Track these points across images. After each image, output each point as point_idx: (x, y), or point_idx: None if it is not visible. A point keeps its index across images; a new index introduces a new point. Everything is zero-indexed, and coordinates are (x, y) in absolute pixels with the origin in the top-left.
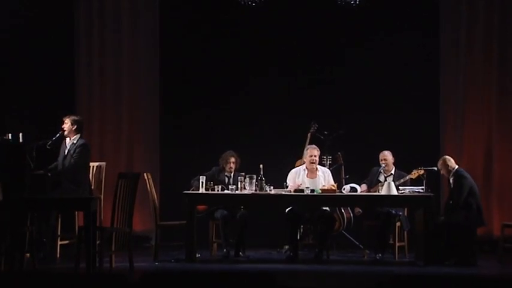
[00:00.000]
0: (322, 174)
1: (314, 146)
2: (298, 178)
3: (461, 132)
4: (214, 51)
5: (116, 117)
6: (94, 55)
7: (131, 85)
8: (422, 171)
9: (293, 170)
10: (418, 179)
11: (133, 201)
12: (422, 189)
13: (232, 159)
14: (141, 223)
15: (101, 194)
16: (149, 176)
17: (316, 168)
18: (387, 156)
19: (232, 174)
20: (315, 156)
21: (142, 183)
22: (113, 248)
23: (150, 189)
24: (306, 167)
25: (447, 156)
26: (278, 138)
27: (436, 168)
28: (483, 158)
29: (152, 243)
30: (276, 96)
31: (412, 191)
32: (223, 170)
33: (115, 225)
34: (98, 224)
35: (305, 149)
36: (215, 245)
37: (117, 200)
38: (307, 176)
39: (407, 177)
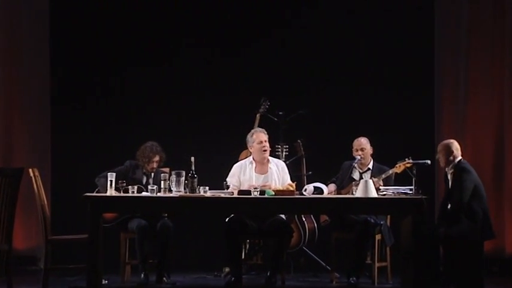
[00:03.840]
0: (275, 168)
1: (260, 128)
2: (243, 174)
3: (462, 116)
4: (123, 14)
5: None
6: None
7: (8, 57)
8: (409, 164)
9: (236, 165)
10: (404, 176)
11: (13, 207)
12: (411, 189)
13: (156, 158)
14: (24, 238)
15: None
16: (36, 173)
17: (268, 160)
18: (364, 145)
19: (153, 172)
20: (266, 141)
21: (27, 182)
22: None
23: (38, 190)
24: (254, 159)
25: (454, 141)
26: (215, 122)
27: (429, 162)
28: (492, 151)
29: (41, 266)
30: (211, 66)
31: (398, 192)
32: (141, 166)
33: None
34: None
35: (249, 135)
36: (129, 267)
37: None
38: (255, 171)
39: (390, 172)
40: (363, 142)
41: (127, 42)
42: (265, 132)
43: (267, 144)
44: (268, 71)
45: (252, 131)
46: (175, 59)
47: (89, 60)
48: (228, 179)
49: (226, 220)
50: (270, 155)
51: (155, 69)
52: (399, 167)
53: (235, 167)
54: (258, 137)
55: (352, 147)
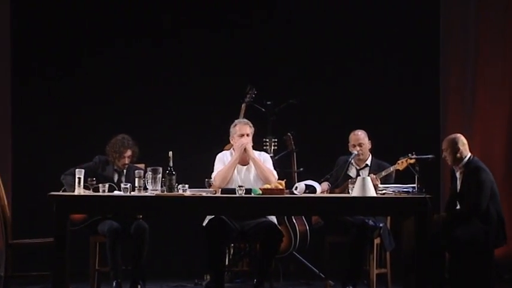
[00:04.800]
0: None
1: (245, 120)
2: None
3: (471, 107)
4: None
5: None
6: None
7: None
8: (413, 160)
9: (219, 155)
10: (406, 173)
11: None
12: (414, 187)
13: (128, 153)
14: None
15: None
16: None
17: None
18: (362, 139)
19: (125, 168)
20: (248, 135)
21: None
22: None
23: None
24: (234, 150)
25: (460, 136)
26: (196, 112)
27: (432, 156)
28: (503, 146)
29: (0, 273)
30: (190, 50)
31: (399, 191)
32: (111, 162)
33: None
34: None
35: (232, 125)
36: (99, 274)
37: None
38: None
39: (391, 169)
40: (361, 136)
41: (93, 27)
42: (250, 124)
43: (249, 138)
44: (255, 55)
45: (236, 121)
46: (149, 42)
47: (52, 49)
48: (215, 167)
49: (207, 222)
50: (257, 149)
51: (126, 54)
52: (401, 164)
53: (219, 156)
54: (240, 130)
55: (348, 142)
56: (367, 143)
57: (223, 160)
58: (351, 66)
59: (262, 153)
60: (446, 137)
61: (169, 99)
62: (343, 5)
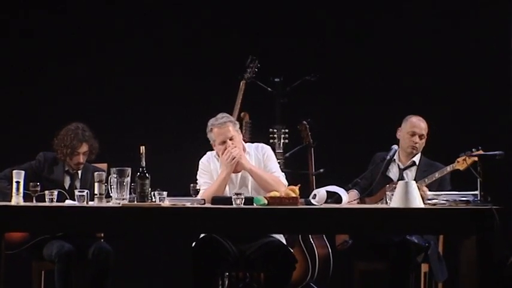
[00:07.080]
0: (254, 158)
1: (223, 117)
2: (216, 173)
3: None
4: None
5: None
6: None
7: None
8: (476, 158)
9: (203, 161)
10: (466, 177)
11: None
12: (475, 196)
13: (83, 148)
14: None
15: None
16: None
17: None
18: (425, 128)
19: (80, 169)
20: (232, 138)
21: None
22: None
23: None
24: (221, 163)
25: None
26: (178, 93)
27: (501, 153)
28: None
29: None
30: (173, 8)
31: (455, 201)
32: (61, 161)
33: None
34: None
35: (207, 129)
36: None
37: None
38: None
39: (448, 169)
40: (423, 126)
41: None
42: (231, 118)
43: (237, 142)
44: (257, 16)
45: (210, 123)
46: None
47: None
48: (198, 180)
49: (194, 244)
50: (261, 142)
51: (81, 18)
52: (462, 162)
53: (203, 163)
54: (219, 134)
55: (397, 130)
56: (425, 136)
57: (209, 169)
58: (389, 31)
59: (260, 146)
60: None
61: (141, 75)
62: None
